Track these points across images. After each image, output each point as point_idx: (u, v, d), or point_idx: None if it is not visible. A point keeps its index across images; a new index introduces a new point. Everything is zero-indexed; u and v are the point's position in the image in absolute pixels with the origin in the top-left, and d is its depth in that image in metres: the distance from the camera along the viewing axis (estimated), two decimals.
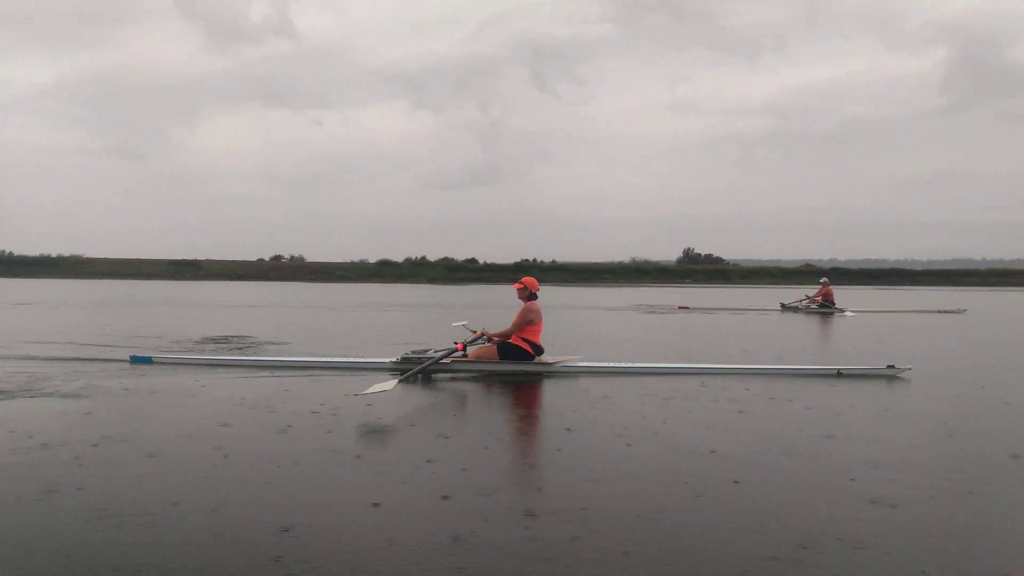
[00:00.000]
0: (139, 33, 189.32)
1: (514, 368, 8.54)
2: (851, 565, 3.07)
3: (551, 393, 7.51)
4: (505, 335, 8.71)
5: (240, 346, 11.36)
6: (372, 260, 76.12)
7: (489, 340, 8.67)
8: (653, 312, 22.65)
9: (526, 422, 6.25)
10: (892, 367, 8.52)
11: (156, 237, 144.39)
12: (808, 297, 23.19)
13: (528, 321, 8.66)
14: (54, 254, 73.96)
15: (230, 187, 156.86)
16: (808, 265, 76.17)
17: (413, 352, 8.82)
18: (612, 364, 8.91)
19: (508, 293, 13.48)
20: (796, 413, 6.37)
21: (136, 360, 9.24)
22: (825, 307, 22.31)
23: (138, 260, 72.49)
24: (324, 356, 9.57)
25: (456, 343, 8.46)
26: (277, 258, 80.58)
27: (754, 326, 17.44)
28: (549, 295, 9.21)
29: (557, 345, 9.92)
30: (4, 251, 75.31)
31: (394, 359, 8.82)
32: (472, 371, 8.53)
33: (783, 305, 23.42)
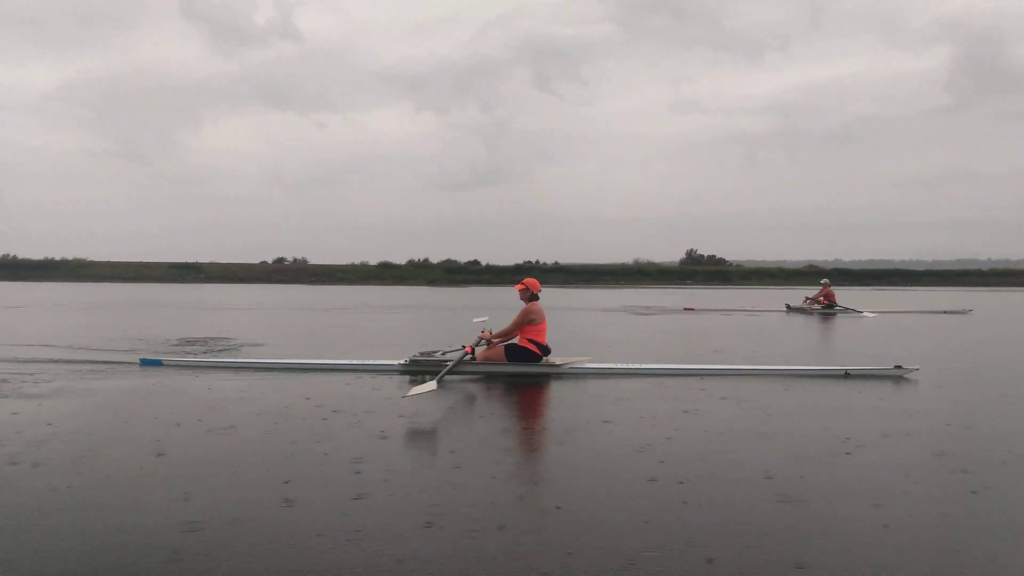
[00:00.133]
0: (143, 36, 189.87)
1: (522, 370, 8.57)
2: (851, 566, 3.10)
3: (559, 395, 7.53)
4: (505, 334, 8.73)
5: (225, 347, 11.45)
6: (375, 262, 76.19)
7: (489, 342, 8.66)
8: (647, 313, 22.64)
9: (531, 427, 6.27)
10: (899, 367, 8.53)
11: (160, 239, 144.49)
12: (808, 299, 23.19)
13: (528, 321, 8.67)
14: (58, 257, 74.22)
15: (234, 189, 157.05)
16: (811, 266, 76.09)
17: (421, 354, 8.87)
18: (621, 366, 8.92)
19: (508, 295, 13.53)
20: (810, 414, 6.40)
21: (146, 363, 9.29)
22: (829, 308, 22.30)
23: (139, 263, 72.61)
24: (335, 359, 9.59)
25: (465, 346, 8.48)
26: (280, 260, 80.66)
27: (760, 327, 17.45)
28: (549, 296, 9.25)
29: (557, 347, 9.94)
30: (8, 254, 75.66)
31: (403, 361, 8.86)
32: (480, 373, 8.56)
33: (788, 306, 23.43)
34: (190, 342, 12.36)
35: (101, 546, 3.23)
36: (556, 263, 76.21)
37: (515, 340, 8.73)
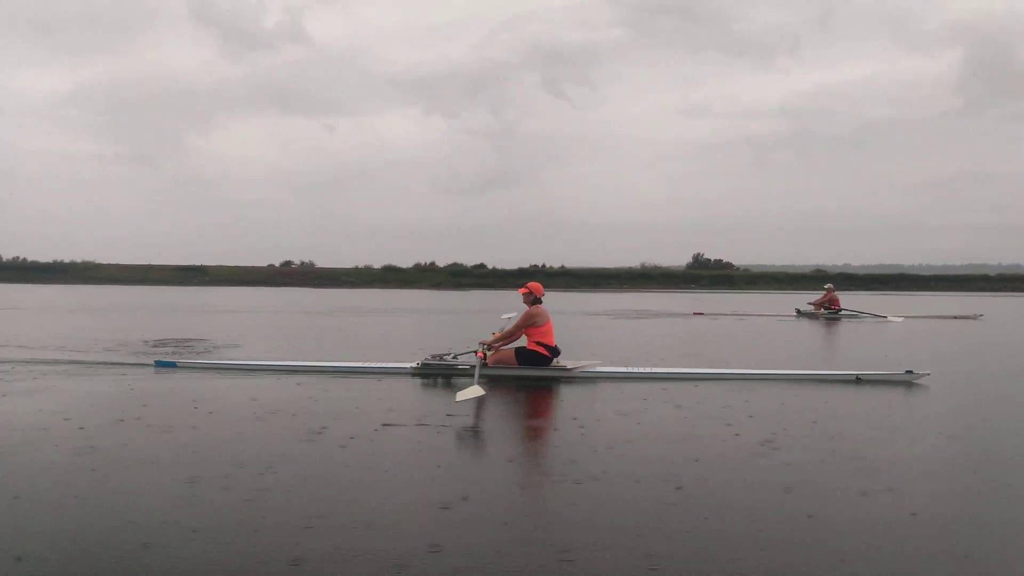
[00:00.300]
0: (153, 40, 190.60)
1: (533, 373, 8.59)
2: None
3: (569, 399, 7.55)
4: (506, 337, 8.76)
5: (231, 349, 11.57)
6: (381, 266, 76.32)
7: (490, 347, 8.63)
8: (640, 318, 22.67)
9: (540, 433, 6.30)
10: (911, 372, 8.51)
11: (169, 242, 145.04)
12: (811, 304, 23.16)
13: (531, 323, 8.69)
14: (67, 260, 74.78)
15: (244, 193, 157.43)
16: (819, 270, 75.84)
17: (432, 356, 8.92)
18: (632, 370, 8.91)
19: (511, 298, 13.58)
20: (816, 418, 6.42)
21: (161, 365, 9.37)
22: (834, 313, 22.25)
23: (146, 266, 73.09)
24: (347, 361, 9.64)
25: (477, 352, 8.50)
26: (287, 264, 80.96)
27: (769, 332, 17.43)
28: (550, 301, 9.29)
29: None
30: (18, 257, 76.32)
31: (415, 364, 8.90)
32: (491, 376, 8.59)
33: (798, 311, 23.39)
34: (190, 343, 12.44)
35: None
36: (563, 267, 76.27)
37: (524, 344, 8.76)
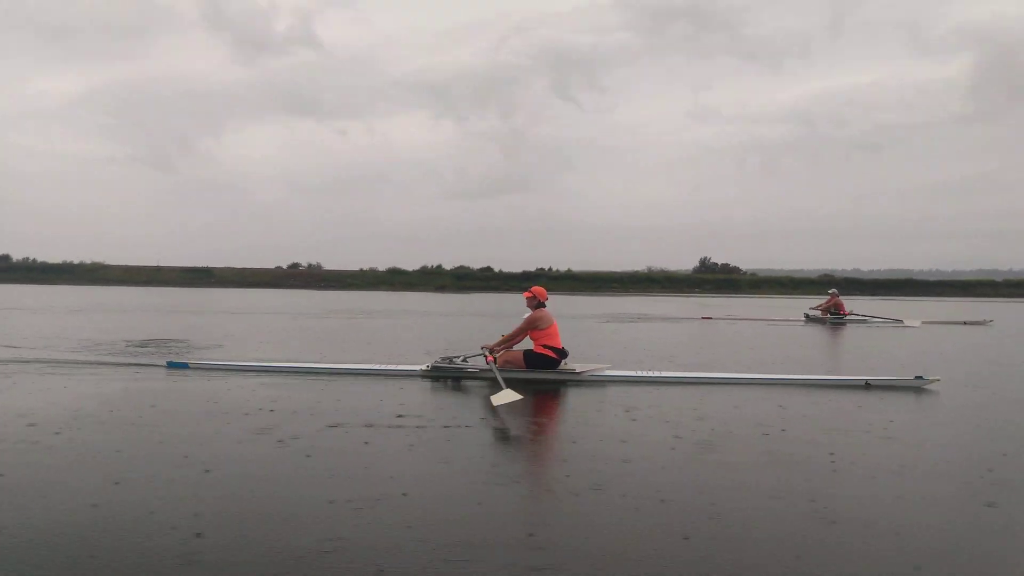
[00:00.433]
0: (167, 44, 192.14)
1: (542, 376, 8.62)
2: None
3: (578, 402, 7.56)
4: (510, 339, 8.81)
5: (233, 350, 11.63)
6: (388, 268, 76.37)
7: (491, 351, 8.66)
8: (635, 321, 22.66)
9: (546, 436, 6.32)
10: (920, 378, 8.50)
11: (180, 244, 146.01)
12: (818, 309, 23.13)
13: (534, 327, 8.74)
14: (77, 261, 75.27)
15: (254, 195, 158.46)
16: (827, 275, 75.66)
17: (442, 359, 8.98)
18: (641, 374, 8.93)
19: (515, 301, 13.60)
20: (843, 427, 6.42)
21: (173, 365, 9.43)
22: (839, 318, 22.20)
23: (153, 267, 73.52)
24: (358, 363, 9.69)
25: (486, 355, 8.57)
26: (295, 266, 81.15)
27: (779, 336, 17.40)
28: (549, 304, 9.32)
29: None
30: (29, 258, 76.96)
31: (424, 367, 8.94)
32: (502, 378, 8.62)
33: (807, 316, 23.35)
34: (169, 344, 12.51)
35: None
36: (569, 270, 76.25)
37: (531, 347, 8.80)
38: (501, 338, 8.90)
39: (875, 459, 5.05)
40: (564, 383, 8.48)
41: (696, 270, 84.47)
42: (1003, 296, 61.70)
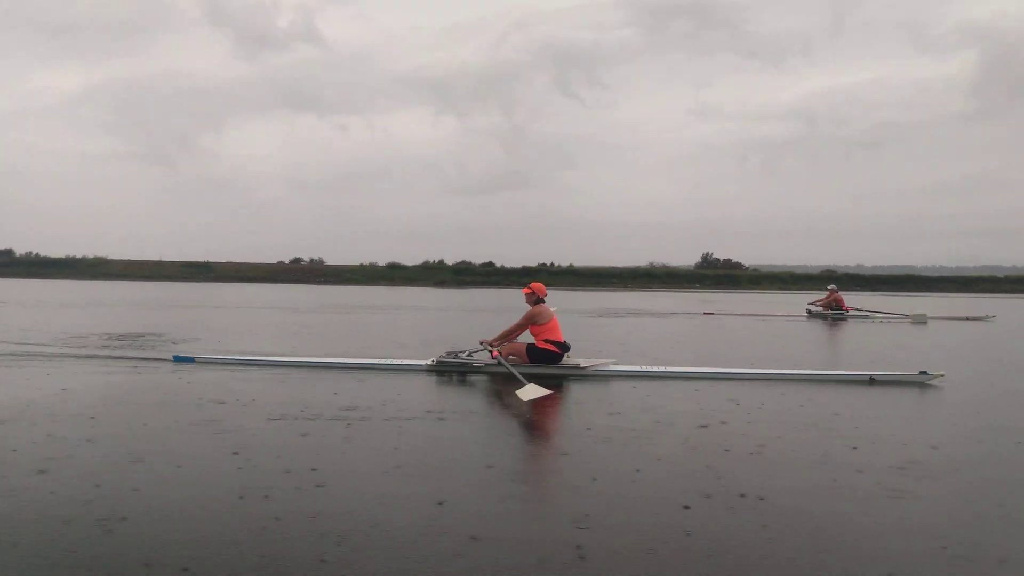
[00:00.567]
0: (169, 41, 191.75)
1: (547, 371, 8.64)
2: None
3: (585, 397, 7.59)
4: (508, 334, 8.86)
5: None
6: (387, 263, 76.42)
7: (491, 347, 8.72)
8: (621, 317, 22.69)
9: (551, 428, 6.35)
10: (925, 373, 8.51)
11: (182, 239, 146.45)
12: (818, 304, 23.15)
13: (533, 322, 8.81)
14: (79, 256, 75.49)
15: (256, 191, 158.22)
16: (828, 271, 75.65)
17: (447, 353, 9.02)
18: (646, 368, 8.95)
19: (515, 296, 13.64)
20: (852, 421, 6.45)
21: (179, 360, 9.47)
22: (840, 314, 22.22)
23: (153, 262, 73.69)
24: (364, 358, 9.73)
25: (492, 351, 8.62)
26: (296, 261, 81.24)
27: (781, 332, 17.42)
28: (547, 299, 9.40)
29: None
30: (31, 252, 77.23)
31: (430, 362, 8.98)
32: (504, 373, 8.63)
33: (809, 311, 23.37)
34: (144, 338, 12.57)
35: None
36: (571, 265, 76.28)
37: (534, 342, 8.82)
38: (500, 333, 8.95)
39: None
40: (567, 377, 8.50)
41: (698, 266, 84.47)
42: (1004, 292, 61.68)
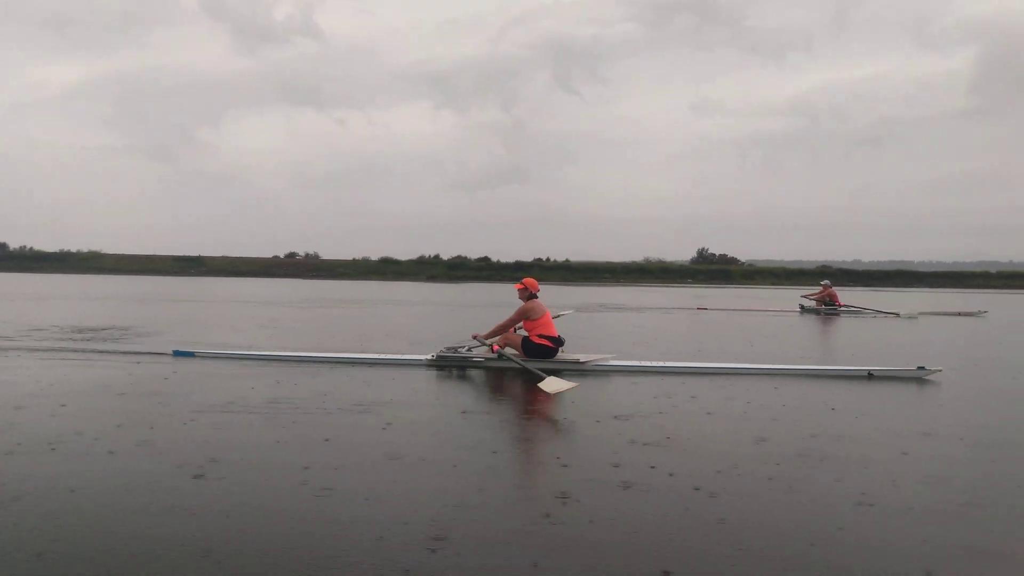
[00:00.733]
0: (167, 35, 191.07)
1: (544, 366, 8.67)
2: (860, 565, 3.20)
3: (587, 392, 7.65)
4: (500, 329, 8.93)
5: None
6: (380, 258, 76.25)
7: (482, 342, 8.83)
8: (610, 311, 22.77)
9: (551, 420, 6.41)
10: (922, 368, 8.58)
11: (178, 233, 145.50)
12: (811, 298, 23.27)
13: (526, 317, 8.90)
14: (74, 249, 75.28)
15: (253, 185, 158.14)
16: (825, 266, 75.90)
17: (447, 348, 9.08)
18: (645, 363, 9.02)
19: (508, 291, 13.69)
20: (853, 415, 6.52)
21: (179, 354, 9.49)
22: (833, 309, 22.33)
23: (145, 256, 73.49)
24: (363, 353, 9.77)
25: (492, 345, 8.70)
26: (292, 255, 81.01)
27: (776, 327, 17.51)
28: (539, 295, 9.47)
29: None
30: (25, 246, 76.91)
31: (430, 356, 9.03)
32: (502, 367, 8.72)
33: (802, 307, 23.47)
34: (107, 331, 12.57)
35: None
36: (567, 260, 76.26)
37: (527, 336, 8.90)
38: (493, 328, 9.03)
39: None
40: (567, 373, 8.54)
41: (694, 261, 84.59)
42: (996, 287, 61.86)
